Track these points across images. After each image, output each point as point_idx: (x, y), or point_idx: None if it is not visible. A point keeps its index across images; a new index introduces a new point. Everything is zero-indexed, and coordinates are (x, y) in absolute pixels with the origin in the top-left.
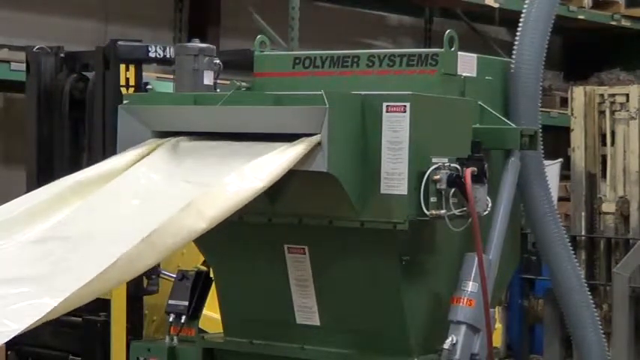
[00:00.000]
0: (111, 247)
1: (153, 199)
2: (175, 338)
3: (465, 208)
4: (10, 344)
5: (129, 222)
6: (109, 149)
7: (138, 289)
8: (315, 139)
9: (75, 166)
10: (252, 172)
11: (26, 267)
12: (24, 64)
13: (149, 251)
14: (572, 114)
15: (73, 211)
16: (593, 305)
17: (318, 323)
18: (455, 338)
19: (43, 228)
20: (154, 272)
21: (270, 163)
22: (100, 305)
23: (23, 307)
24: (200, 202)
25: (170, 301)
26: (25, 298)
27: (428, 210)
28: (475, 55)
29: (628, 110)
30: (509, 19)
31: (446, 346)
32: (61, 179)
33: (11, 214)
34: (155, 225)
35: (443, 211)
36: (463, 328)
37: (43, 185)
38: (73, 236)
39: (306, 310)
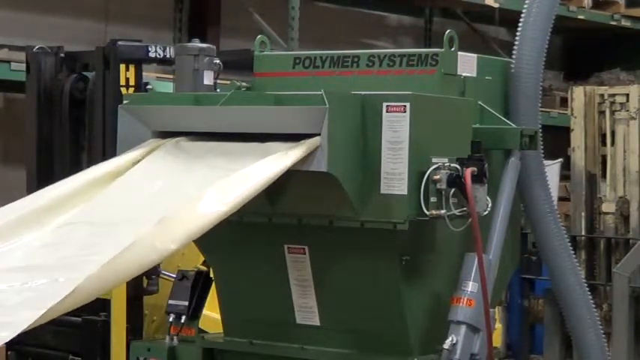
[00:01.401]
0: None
1: (166, 189)
2: (175, 338)
3: (464, 208)
4: (11, 344)
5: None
6: (109, 149)
7: (138, 289)
8: (314, 141)
9: (75, 165)
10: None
11: (51, 253)
12: (24, 64)
13: (167, 237)
14: (572, 114)
15: (87, 205)
16: (593, 305)
17: (318, 323)
18: (455, 338)
19: (63, 217)
20: (154, 272)
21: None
22: (100, 305)
23: (45, 293)
24: (219, 187)
25: (170, 301)
26: (47, 286)
27: (428, 210)
28: (475, 55)
29: (628, 110)
30: (509, 19)
31: (446, 346)
32: (68, 179)
33: (23, 210)
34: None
35: (443, 211)
36: (463, 328)
37: (43, 185)
38: (96, 222)
39: (306, 310)
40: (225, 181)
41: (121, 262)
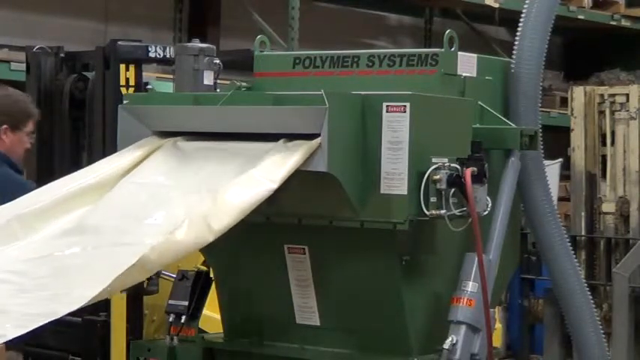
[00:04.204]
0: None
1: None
2: (175, 338)
3: (464, 208)
4: (11, 343)
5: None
6: (109, 149)
7: (138, 289)
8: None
9: (75, 165)
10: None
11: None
12: (24, 64)
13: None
14: (572, 114)
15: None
16: (593, 305)
17: (318, 323)
18: (455, 338)
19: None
20: None
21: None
22: (100, 305)
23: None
24: (262, 167)
25: (170, 301)
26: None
27: (428, 210)
28: (475, 55)
29: (628, 110)
30: (509, 19)
31: (446, 346)
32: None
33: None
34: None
35: (443, 211)
36: (463, 328)
37: (42, 185)
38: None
39: (306, 310)
40: (266, 161)
41: (178, 240)
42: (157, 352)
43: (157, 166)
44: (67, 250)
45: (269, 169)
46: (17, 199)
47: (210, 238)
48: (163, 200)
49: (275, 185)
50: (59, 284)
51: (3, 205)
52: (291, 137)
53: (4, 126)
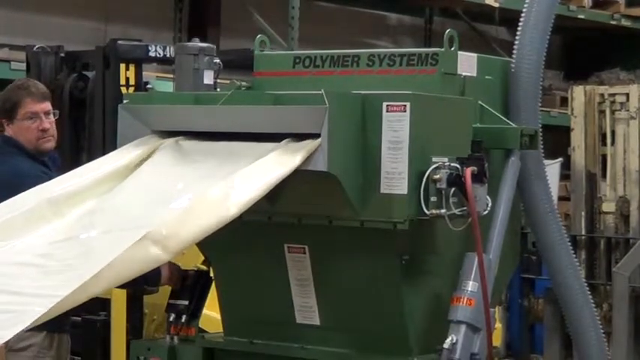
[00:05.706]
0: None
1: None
2: (175, 337)
3: (465, 208)
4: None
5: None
6: (109, 149)
7: (138, 288)
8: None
9: (75, 165)
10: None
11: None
12: (24, 64)
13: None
14: (572, 113)
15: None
16: (593, 305)
17: (318, 323)
18: (455, 338)
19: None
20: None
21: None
22: (100, 305)
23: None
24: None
25: (170, 301)
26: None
27: (428, 209)
28: (475, 55)
29: (628, 110)
30: (510, 18)
31: (446, 345)
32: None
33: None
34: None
35: (443, 211)
36: (463, 327)
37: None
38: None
39: (306, 310)
40: (278, 151)
41: (196, 214)
42: (157, 352)
43: (164, 161)
44: (93, 232)
45: (285, 154)
46: (46, 183)
47: (233, 210)
48: (186, 185)
49: (293, 167)
50: (84, 266)
51: (32, 188)
52: (292, 137)
53: (3, 120)
